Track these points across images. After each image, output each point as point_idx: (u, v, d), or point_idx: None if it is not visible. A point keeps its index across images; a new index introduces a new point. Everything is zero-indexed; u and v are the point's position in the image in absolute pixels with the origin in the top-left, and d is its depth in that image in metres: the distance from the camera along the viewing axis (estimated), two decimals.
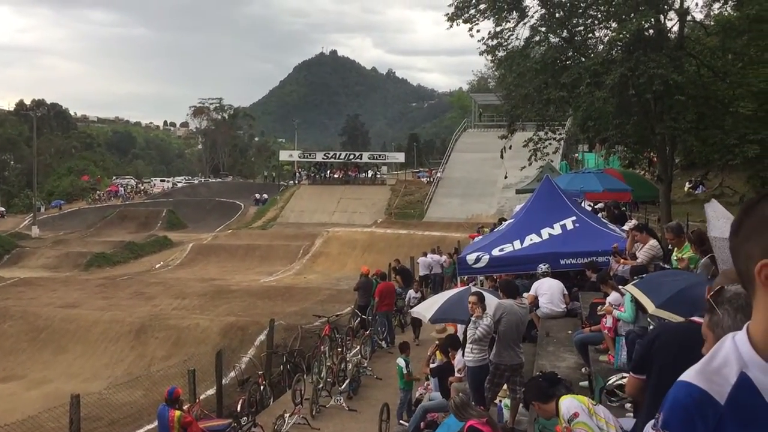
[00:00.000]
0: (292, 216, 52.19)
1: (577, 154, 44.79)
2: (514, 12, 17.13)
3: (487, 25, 17.34)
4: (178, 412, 9.44)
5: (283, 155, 75.61)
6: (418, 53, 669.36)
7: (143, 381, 14.10)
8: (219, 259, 38.19)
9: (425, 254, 23.35)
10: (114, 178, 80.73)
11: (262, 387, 12.74)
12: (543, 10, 17.14)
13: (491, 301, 8.91)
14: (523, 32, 17.42)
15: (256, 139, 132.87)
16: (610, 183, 19.05)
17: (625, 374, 6.45)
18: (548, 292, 11.23)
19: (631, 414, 5.82)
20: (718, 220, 4.50)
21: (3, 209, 62.49)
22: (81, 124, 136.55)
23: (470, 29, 17.34)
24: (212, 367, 13.45)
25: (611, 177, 19.86)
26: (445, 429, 7.66)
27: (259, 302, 24.60)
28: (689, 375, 1.39)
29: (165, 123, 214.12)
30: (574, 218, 12.63)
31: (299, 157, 66.59)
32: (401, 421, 10.35)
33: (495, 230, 16.23)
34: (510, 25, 17.29)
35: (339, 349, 13.62)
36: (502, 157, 19.64)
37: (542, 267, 11.63)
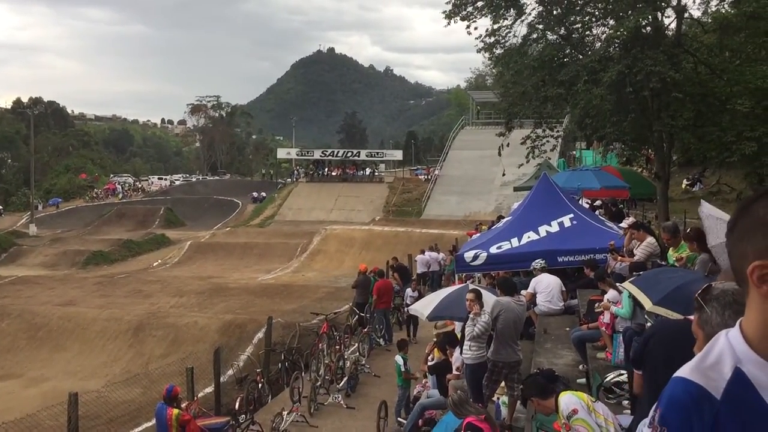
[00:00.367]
0: (290, 214, 52.19)
1: (574, 152, 44.80)
2: (512, 9, 17.12)
3: (484, 23, 17.34)
4: (176, 410, 9.44)
5: (281, 153, 75.77)
6: (416, 51, 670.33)
7: (141, 379, 14.06)
8: (217, 257, 38.11)
9: (423, 252, 23.36)
10: (111, 176, 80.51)
11: (260, 385, 12.72)
12: (540, 8, 17.16)
13: (489, 298, 8.93)
14: (521, 30, 17.44)
15: (254, 136, 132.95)
16: (608, 180, 19.09)
17: (622, 371, 6.48)
18: (547, 289, 11.28)
19: (629, 411, 5.85)
20: (716, 226, 4.51)
21: (0, 207, 62.36)
22: (78, 122, 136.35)
23: (468, 27, 17.33)
24: (210, 365, 13.42)
25: (609, 174, 19.90)
26: (443, 426, 7.67)
27: (257, 300, 24.58)
28: (685, 371, 1.40)
29: (162, 121, 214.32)
30: (571, 215, 12.66)
31: (297, 155, 66.71)
32: (399, 419, 10.36)
33: (493, 227, 16.24)
34: (507, 22, 17.29)
35: (337, 347, 13.59)
36: (499, 154, 19.68)
37: (539, 262, 11.66)
